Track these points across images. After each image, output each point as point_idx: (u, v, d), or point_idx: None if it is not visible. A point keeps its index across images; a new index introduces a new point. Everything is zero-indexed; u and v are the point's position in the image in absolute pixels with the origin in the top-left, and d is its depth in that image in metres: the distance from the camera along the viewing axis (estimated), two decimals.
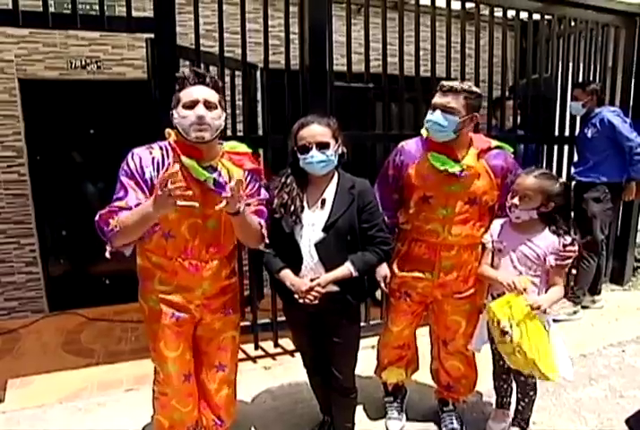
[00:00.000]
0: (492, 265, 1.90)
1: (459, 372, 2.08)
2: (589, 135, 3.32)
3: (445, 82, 1.81)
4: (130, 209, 1.48)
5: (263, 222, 1.66)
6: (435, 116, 1.80)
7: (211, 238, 1.61)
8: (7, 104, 3.43)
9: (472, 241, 1.92)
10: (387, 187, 2.01)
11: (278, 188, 1.75)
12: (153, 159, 1.55)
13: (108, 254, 1.52)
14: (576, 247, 1.80)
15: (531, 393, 1.98)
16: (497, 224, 1.92)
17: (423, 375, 2.30)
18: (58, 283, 3.82)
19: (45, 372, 2.73)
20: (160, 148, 1.59)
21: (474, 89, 1.80)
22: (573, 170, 3.50)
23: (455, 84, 1.78)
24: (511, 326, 1.69)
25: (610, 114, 3.23)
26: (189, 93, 1.53)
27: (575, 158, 3.58)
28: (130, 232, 1.49)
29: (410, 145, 1.97)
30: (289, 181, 1.75)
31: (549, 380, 1.75)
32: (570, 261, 1.82)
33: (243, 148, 1.71)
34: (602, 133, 3.24)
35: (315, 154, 1.67)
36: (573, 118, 3.61)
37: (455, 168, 1.81)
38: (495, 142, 1.93)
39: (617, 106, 3.58)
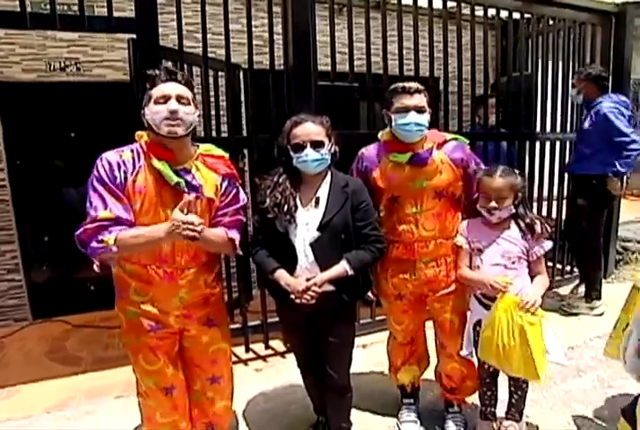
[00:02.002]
0: (471, 266, 1.93)
1: (461, 374, 2.07)
2: (585, 127, 3.22)
3: (406, 84, 1.83)
4: (118, 219, 1.43)
5: (234, 233, 1.63)
6: (413, 118, 1.81)
7: (185, 244, 1.54)
8: None
9: (447, 234, 1.94)
10: None
11: (270, 188, 1.73)
12: (124, 162, 1.49)
13: (97, 268, 1.47)
14: (539, 225, 1.86)
15: (524, 385, 2.00)
16: (466, 224, 1.94)
17: (426, 373, 2.28)
18: (42, 290, 3.74)
19: (30, 381, 2.66)
20: (131, 151, 1.53)
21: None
22: (569, 163, 3.45)
23: (417, 84, 1.83)
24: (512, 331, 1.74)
25: (608, 106, 3.06)
26: (161, 89, 1.49)
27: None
28: (131, 252, 1.48)
29: (370, 151, 2.01)
30: (281, 180, 1.74)
31: (539, 380, 1.78)
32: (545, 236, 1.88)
33: (218, 151, 1.66)
34: (598, 125, 3.10)
35: (310, 153, 1.67)
36: (554, 115, 3.67)
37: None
38: (449, 135, 1.97)
39: None
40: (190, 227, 1.38)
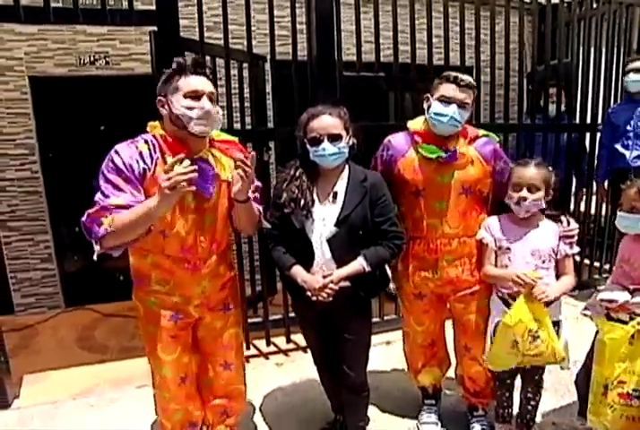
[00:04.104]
0: (497, 265, 1.84)
1: (485, 377, 2.00)
2: None
3: (461, 76, 1.74)
4: (127, 207, 1.38)
5: (261, 209, 1.66)
6: (452, 111, 1.73)
7: (208, 234, 1.57)
8: (18, 102, 3.44)
9: (472, 233, 1.87)
10: None
11: (287, 181, 1.69)
12: (141, 153, 1.46)
13: (95, 257, 1.42)
14: (576, 224, 1.83)
15: (542, 390, 1.94)
16: (493, 221, 1.85)
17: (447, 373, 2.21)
18: (73, 279, 3.85)
19: (59, 368, 2.74)
20: (146, 141, 1.49)
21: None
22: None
23: (470, 79, 1.75)
24: (538, 328, 1.66)
25: None
26: (192, 83, 1.45)
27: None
28: (126, 232, 1.38)
29: (398, 139, 1.92)
30: (298, 174, 1.69)
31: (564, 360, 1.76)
32: (575, 239, 1.81)
33: (229, 136, 1.65)
34: None
35: (327, 147, 1.61)
36: (594, 105, 3.46)
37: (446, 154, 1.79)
38: (482, 131, 1.90)
39: None
40: (182, 177, 1.26)
